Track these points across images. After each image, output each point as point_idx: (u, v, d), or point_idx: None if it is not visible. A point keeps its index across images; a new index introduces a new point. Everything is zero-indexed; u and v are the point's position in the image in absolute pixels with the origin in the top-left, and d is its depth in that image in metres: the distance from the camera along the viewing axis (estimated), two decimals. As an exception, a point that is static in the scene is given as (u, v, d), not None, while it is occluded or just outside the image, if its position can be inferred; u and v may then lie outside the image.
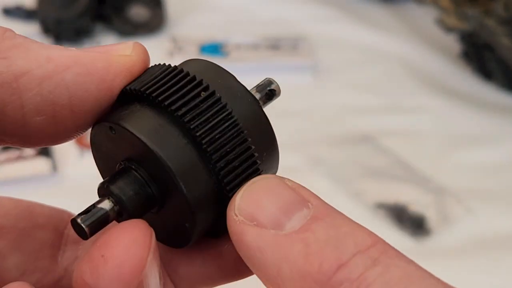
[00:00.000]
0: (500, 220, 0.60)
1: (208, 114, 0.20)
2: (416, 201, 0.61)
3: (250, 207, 0.20)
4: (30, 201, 0.25)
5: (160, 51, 0.82)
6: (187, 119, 0.20)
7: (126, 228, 0.20)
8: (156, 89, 0.21)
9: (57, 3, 0.79)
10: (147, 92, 0.21)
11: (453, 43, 0.79)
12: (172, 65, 0.22)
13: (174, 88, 0.21)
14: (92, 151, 0.23)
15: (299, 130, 0.71)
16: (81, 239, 0.22)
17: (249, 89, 0.23)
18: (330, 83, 0.78)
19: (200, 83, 0.21)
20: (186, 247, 0.22)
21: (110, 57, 0.21)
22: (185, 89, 0.21)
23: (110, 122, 0.21)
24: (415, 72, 0.79)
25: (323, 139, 0.69)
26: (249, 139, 0.21)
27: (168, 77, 0.21)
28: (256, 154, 0.21)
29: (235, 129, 0.21)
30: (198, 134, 0.20)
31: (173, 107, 0.20)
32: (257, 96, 0.23)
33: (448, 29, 0.75)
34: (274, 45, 0.82)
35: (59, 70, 0.20)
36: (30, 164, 0.64)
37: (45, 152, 0.64)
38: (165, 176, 0.20)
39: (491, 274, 0.56)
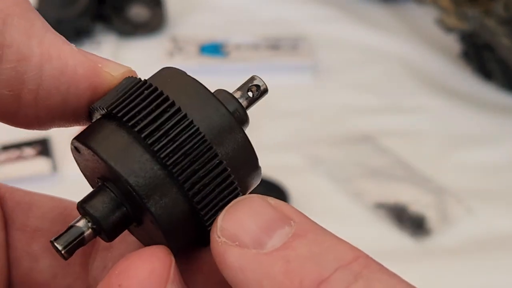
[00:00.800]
0: (500, 220, 0.60)
1: (174, 133, 0.20)
2: (416, 201, 0.61)
3: (232, 228, 0.19)
4: (70, 202, 0.25)
5: (160, 51, 0.82)
6: (151, 140, 0.20)
7: (145, 257, 0.20)
8: (121, 108, 0.20)
9: (57, 3, 0.79)
10: (113, 111, 0.20)
11: (453, 43, 0.79)
12: (143, 79, 0.21)
13: (140, 106, 0.20)
14: (80, 171, 0.23)
15: (299, 130, 0.71)
16: (110, 246, 0.23)
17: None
18: (330, 83, 0.78)
19: (166, 99, 0.20)
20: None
21: (96, 68, 0.21)
22: (150, 107, 0.20)
23: (75, 140, 0.21)
24: (415, 72, 0.79)
25: (323, 139, 0.69)
26: (219, 155, 0.20)
27: (135, 94, 0.20)
28: (228, 169, 0.20)
29: (203, 146, 0.20)
30: (162, 156, 0.20)
31: (137, 128, 0.20)
32: (239, 95, 0.23)
33: (448, 29, 0.76)
34: (274, 45, 0.82)
35: (43, 57, 0.21)
36: (30, 164, 0.64)
37: (45, 152, 0.64)
38: (134, 196, 0.20)
39: (491, 274, 0.56)
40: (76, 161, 0.22)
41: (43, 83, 0.21)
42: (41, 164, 0.63)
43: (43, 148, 0.64)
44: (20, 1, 0.21)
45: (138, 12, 0.87)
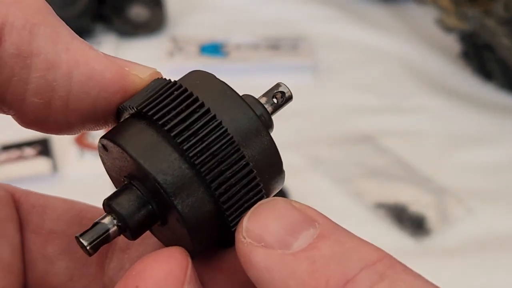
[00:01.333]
0: (500, 220, 0.60)
1: (202, 133, 0.20)
2: (416, 201, 0.61)
3: (258, 229, 0.20)
4: (84, 204, 0.25)
5: (160, 51, 0.82)
6: (180, 139, 0.20)
7: (163, 258, 0.20)
8: (151, 107, 0.21)
9: (57, 3, 0.79)
10: (143, 110, 0.21)
11: (453, 43, 0.80)
12: (172, 80, 0.21)
13: (170, 106, 0.20)
14: (105, 170, 0.23)
15: (299, 130, 0.71)
16: (127, 248, 0.23)
17: (259, 95, 0.23)
18: (330, 83, 0.78)
19: (195, 100, 0.21)
20: (194, 259, 0.22)
21: (123, 72, 0.22)
22: (180, 107, 0.20)
23: (104, 139, 0.21)
24: (415, 72, 0.79)
25: (323, 139, 0.69)
26: (246, 157, 0.20)
27: (165, 94, 0.21)
28: (254, 171, 0.21)
29: (231, 147, 0.20)
30: (191, 155, 0.20)
31: (167, 127, 0.20)
32: (264, 100, 0.23)
33: (448, 29, 0.76)
34: (274, 45, 0.82)
35: (71, 64, 0.21)
36: (30, 164, 0.64)
37: (45, 152, 0.64)
38: (161, 194, 0.20)
39: (491, 274, 0.56)
40: (102, 160, 0.23)
41: (73, 89, 0.21)
42: (41, 164, 0.63)
43: (43, 148, 0.64)
44: (43, 9, 0.21)
45: (138, 12, 0.87)
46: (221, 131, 0.20)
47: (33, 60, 0.20)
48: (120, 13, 0.86)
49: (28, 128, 0.22)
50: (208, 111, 0.20)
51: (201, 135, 0.20)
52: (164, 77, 0.22)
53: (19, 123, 0.22)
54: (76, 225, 0.24)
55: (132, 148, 0.20)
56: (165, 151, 0.20)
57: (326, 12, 0.90)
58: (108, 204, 0.21)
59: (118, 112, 0.22)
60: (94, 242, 0.20)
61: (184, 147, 0.20)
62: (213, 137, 0.20)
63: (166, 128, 0.20)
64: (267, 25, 0.88)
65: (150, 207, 0.21)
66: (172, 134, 0.20)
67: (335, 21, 0.88)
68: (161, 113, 0.20)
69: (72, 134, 0.23)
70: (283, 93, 0.24)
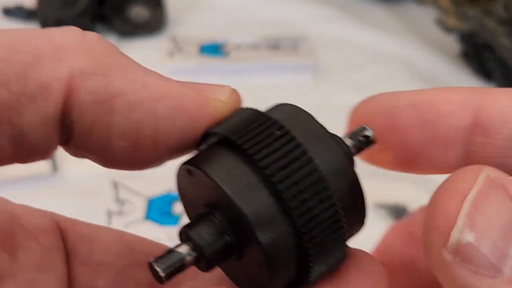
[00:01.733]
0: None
1: (292, 168, 0.20)
2: (416, 201, 0.61)
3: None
4: (133, 235, 0.25)
5: (160, 51, 0.82)
6: (269, 171, 0.19)
7: None
8: (242, 136, 0.20)
9: (57, 3, 0.79)
10: (233, 137, 0.20)
11: (453, 43, 0.80)
12: (261, 111, 0.21)
13: (260, 137, 0.20)
14: (178, 194, 0.23)
15: (299, 130, 0.71)
16: (178, 283, 0.22)
17: (342, 134, 0.22)
18: (330, 83, 0.78)
19: (286, 132, 0.20)
20: None
21: (204, 98, 0.21)
22: (269, 138, 0.20)
23: (189, 165, 0.21)
24: (415, 72, 0.79)
25: (323, 139, 0.69)
26: (334, 197, 0.20)
27: (256, 123, 0.20)
28: (341, 212, 0.20)
29: (320, 185, 0.20)
30: (279, 188, 0.19)
31: (257, 157, 0.20)
32: (349, 142, 0.23)
33: (448, 29, 0.75)
34: (274, 45, 0.82)
35: (152, 99, 0.20)
36: (30, 164, 0.63)
37: (45, 152, 0.64)
38: (243, 225, 0.19)
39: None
40: (179, 186, 0.22)
41: (160, 126, 0.20)
42: (41, 164, 0.63)
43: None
44: (111, 49, 0.21)
45: (138, 12, 0.87)
46: (311, 168, 0.20)
47: (113, 104, 0.20)
48: (120, 13, 0.86)
49: (112, 168, 0.21)
50: (298, 145, 0.20)
51: (290, 169, 0.20)
52: (238, 95, 0.22)
53: (102, 165, 0.21)
54: (125, 257, 0.24)
55: (218, 176, 0.20)
56: (252, 182, 0.20)
57: (326, 12, 0.90)
58: (186, 232, 0.20)
59: (202, 139, 0.21)
60: (169, 270, 0.20)
61: (273, 179, 0.19)
62: (303, 172, 0.20)
63: (256, 157, 0.20)
64: (267, 25, 0.88)
65: (228, 238, 0.20)
66: (261, 165, 0.20)
67: (335, 21, 0.88)
68: (249, 143, 0.20)
69: (158, 166, 0.22)
70: (367, 137, 0.23)
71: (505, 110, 0.21)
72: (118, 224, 0.59)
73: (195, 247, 0.20)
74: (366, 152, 0.23)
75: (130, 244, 0.24)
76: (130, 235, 0.25)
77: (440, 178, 0.69)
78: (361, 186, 0.21)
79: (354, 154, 0.22)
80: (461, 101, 0.22)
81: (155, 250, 0.23)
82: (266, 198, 0.19)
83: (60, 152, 0.24)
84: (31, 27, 0.85)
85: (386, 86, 0.81)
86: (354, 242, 0.64)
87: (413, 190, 0.62)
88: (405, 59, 0.81)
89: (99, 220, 0.58)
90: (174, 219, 0.59)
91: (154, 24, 0.86)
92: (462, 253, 0.18)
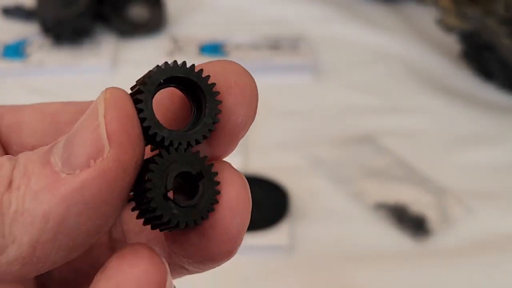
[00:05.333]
0: (500, 220, 0.60)
1: None
2: (416, 201, 0.61)
3: None
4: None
5: (160, 51, 0.82)
6: None
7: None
8: None
9: (57, 3, 0.80)
10: None
11: (453, 43, 0.80)
12: None
13: None
14: None
15: (299, 130, 0.71)
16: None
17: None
18: (330, 83, 0.78)
19: None
20: None
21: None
22: None
23: None
24: (415, 72, 0.80)
25: (323, 139, 0.69)
26: None
27: None
28: None
29: None
30: None
31: None
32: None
33: (449, 29, 0.76)
34: (274, 45, 0.83)
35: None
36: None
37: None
38: None
39: (492, 274, 0.56)
40: None
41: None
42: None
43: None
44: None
45: (138, 12, 0.87)
46: None
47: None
48: (120, 13, 0.86)
49: None
50: None
51: None
52: None
53: None
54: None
55: None
56: None
57: (326, 12, 0.90)
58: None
59: None
60: None
61: None
62: None
63: None
64: (267, 25, 0.88)
65: None
66: None
67: (335, 21, 0.88)
68: None
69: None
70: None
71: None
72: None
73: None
74: None
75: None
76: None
77: (441, 178, 0.68)
78: None
79: None
80: None
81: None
82: None
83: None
84: (31, 27, 0.85)
85: (386, 86, 0.82)
86: (354, 242, 0.63)
87: (414, 190, 0.62)
88: (405, 59, 0.82)
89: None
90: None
91: (154, 24, 0.86)
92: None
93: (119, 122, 0.17)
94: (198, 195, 0.19)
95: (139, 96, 0.18)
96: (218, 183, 0.19)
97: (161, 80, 0.19)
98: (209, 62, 0.20)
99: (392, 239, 0.58)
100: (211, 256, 0.19)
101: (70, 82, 0.77)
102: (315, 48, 0.83)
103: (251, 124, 0.20)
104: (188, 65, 0.20)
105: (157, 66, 0.20)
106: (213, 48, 0.82)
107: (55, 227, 0.17)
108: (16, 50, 0.83)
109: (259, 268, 0.56)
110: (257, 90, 0.20)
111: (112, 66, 0.80)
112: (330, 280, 0.55)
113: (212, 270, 0.60)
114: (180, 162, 0.18)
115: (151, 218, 0.19)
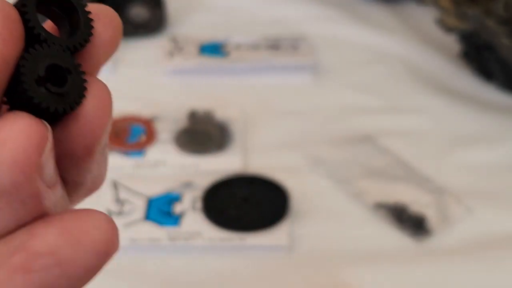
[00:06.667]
0: (500, 220, 0.60)
1: None
2: (416, 201, 0.61)
3: None
4: None
5: (160, 51, 0.82)
6: None
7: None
8: None
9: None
10: None
11: (453, 43, 0.80)
12: None
13: None
14: None
15: (299, 130, 0.71)
16: None
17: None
18: (330, 83, 0.78)
19: None
20: None
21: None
22: None
23: None
24: (415, 72, 0.80)
25: (323, 139, 0.69)
26: None
27: None
28: None
29: None
30: None
31: None
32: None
33: (448, 29, 0.76)
34: (274, 45, 0.83)
35: None
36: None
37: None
38: None
39: (492, 274, 0.56)
40: None
41: None
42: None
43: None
44: None
45: (138, 12, 0.87)
46: None
47: None
48: (120, 13, 0.86)
49: None
50: None
51: None
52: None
53: None
54: None
55: None
56: None
57: (326, 12, 0.90)
58: None
59: None
60: None
61: None
62: None
63: None
64: (267, 25, 0.88)
65: None
66: None
67: (335, 21, 0.89)
68: None
69: None
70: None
71: None
72: (117, 224, 0.59)
73: None
74: None
75: None
76: None
77: (440, 178, 0.69)
78: None
79: None
80: None
81: None
82: None
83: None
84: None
85: (386, 86, 0.83)
86: (354, 242, 0.63)
87: (413, 190, 0.63)
88: (405, 59, 0.82)
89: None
90: (174, 220, 0.60)
91: (154, 24, 0.87)
92: None
93: (3, 21, 0.19)
94: (68, 85, 0.21)
95: (23, 4, 0.21)
96: (85, 80, 0.21)
97: None
98: None
99: (392, 239, 0.58)
100: (70, 151, 0.21)
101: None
102: (315, 48, 0.83)
103: (116, 47, 0.23)
104: None
105: None
106: (213, 48, 0.83)
107: None
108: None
109: (259, 268, 0.56)
110: (120, 22, 0.24)
111: (113, 66, 0.80)
112: (329, 279, 0.55)
113: (211, 270, 0.61)
114: (52, 56, 0.21)
115: (22, 103, 0.20)
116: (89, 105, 0.21)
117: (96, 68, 0.23)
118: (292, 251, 0.57)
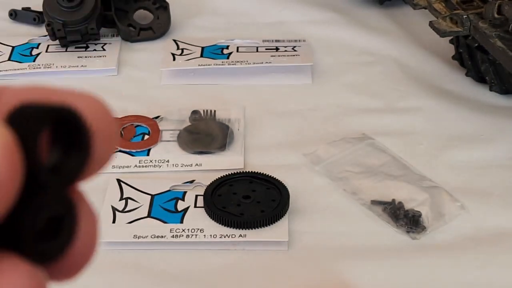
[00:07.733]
0: (493, 217, 0.61)
1: None
2: (411, 199, 0.62)
3: None
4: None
5: (163, 53, 0.82)
6: None
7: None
8: None
9: (63, 7, 0.80)
10: None
11: (447, 46, 0.80)
12: None
13: None
14: None
15: (298, 130, 0.72)
16: None
17: None
18: (328, 84, 0.79)
19: None
20: None
21: None
22: None
23: None
24: (410, 74, 0.80)
25: (322, 138, 0.69)
26: None
27: None
28: None
29: None
30: None
31: None
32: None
33: (443, 32, 0.76)
34: (274, 48, 0.83)
35: None
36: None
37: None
38: None
39: (486, 270, 0.56)
40: None
41: None
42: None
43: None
44: None
45: (142, 15, 0.87)
46: None
47: None
48: (125, 17, 0.86)
49: None
50: None
51: None
52: None
53: None
54: None
55: None
56: None
57: (324, 15, 0.90)
58: None
59: None
60: None
61: None
62: None
63: None
64: (267, 28, 0.89)
65: None
66: None
67: (333, 25, 0.89)
68: None
69: None
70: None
71: None
72: (122, 221, 0.60)
73: None
74: None
75: None
76: None
77: (435, 176, 0.69)
78: None
79: None
80: None
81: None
82: None
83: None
84: (37, 31, 0.85)
85: (383, 87, 0.83)
86: (351, 239, 0.64)
87: (409, 188, 0.63)
88: (401, 61, 0.82)
89: (103, 217, 0.59)
90: (177, 217, 0.60)
91: (159, 27, 0.87)
92: None
93: (5, 168, 0.18)
94: (62, 233, 0.20)
95: (25, 140, 0.19)
96: (77, 222, 0.21)
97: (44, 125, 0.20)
98: (79, 96, 0.22)
99: (388, 236, 0.59)
100: (56, 278, 0.21)
101: (76, 85, 0.76)
102: (314, 50, 0.83)
103: (112, 154, 0.22)
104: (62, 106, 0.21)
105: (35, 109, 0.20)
106: (215, 51, 0.83)
107: None
108: (24, 53, 0.83)
109: (259, 264, 0.57)
110: (117, 128, 0.22)
111: (117, 69, 0.81)
112: (327, 275, 0.56)
113: (213, 265, 0.61)
114: (52, 205, 0.20)
115: (15, 248, 0.19)
116: (79, 245, 0.20)
117: (94, 176, 0.22)
118: (291, 247, 0.58)
